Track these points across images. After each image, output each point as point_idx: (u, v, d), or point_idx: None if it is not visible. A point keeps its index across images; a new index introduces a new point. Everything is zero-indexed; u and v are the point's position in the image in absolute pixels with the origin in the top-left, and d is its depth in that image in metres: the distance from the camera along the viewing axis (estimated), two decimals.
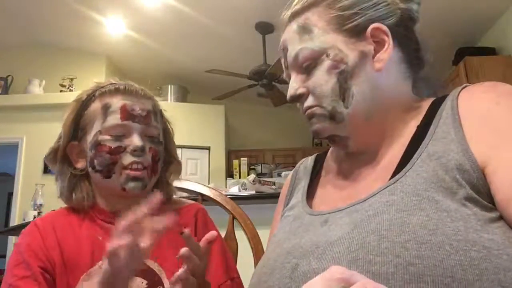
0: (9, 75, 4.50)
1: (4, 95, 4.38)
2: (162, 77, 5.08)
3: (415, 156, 0.55)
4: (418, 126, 0.59)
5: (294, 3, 0.65)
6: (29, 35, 4.30)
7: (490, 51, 3.82)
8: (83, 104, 0.86)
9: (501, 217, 0.47)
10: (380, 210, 0.50)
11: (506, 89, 0.55)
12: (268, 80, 3.90)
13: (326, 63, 0.60)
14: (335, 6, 0.61)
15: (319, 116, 0.62)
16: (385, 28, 0.60)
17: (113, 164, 0.82)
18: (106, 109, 0.84)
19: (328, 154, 0.76)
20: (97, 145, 0.82)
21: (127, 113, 0.84)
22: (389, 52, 0.60)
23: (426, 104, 0.62)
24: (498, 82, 0.57)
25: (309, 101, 0.62)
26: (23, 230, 0.84)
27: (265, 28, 3.91)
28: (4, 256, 4.06)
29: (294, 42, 0.63)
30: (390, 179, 0.55)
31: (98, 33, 4.17)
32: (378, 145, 0.63)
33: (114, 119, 0.83)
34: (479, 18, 3.78)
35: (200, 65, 4.39)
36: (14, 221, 4.08)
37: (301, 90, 0.63)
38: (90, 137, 0.84)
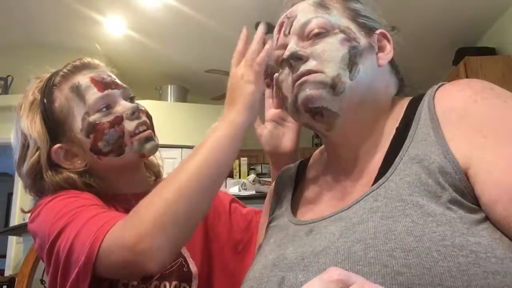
0: (9, 75, 4.49)
1: (4, 95, 4.38)
2: (162, 77, 5.09)
3: (397, 159, 0.54)
4: (397, 128, 0.58)
5: None
6: (29, 35, 4.31)
7: (490, 51, 3.82)
8: (44, 101, 0.77)
9: (486, 218, 0.46)
10: (365, 218, 0.49)
11: (482, 86, 0.53)
12: (267, 80, 3.89)
13: (340, 36, 0.61)
14: (350, 2, 0.65)
15: (317, 83, 0.59)
16: (389, 36, 0.64)
17: (121, 136, 0.76)
18: (78, 90, 0.77)
19: (311, 160, 0.75)
20: (94, 127, 0.75)
21: (101, 83, 0.78)
22: (390, 55, 0.63)
23: (403, 103, 0.62)
24: (474, 79, 0.57)
25: (311, 65, 0.60)
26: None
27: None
28: (4, 256, 4.06)
29: (308, 11, 0.64)
30: (373, 184, 0.54)
31: (98, 33, 4.17)
32: (359, 143, 0.62)
33: (93, 94, 0.76)
34: (479, 18, 3.78)
35: (200, 65, 4.40)
36: (14, 221, 4.08)
37: (303, 53, 0.61)
38: (77, 127, 0.76)
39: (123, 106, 0.78)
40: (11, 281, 3.32)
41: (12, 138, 0.81)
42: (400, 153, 0.54)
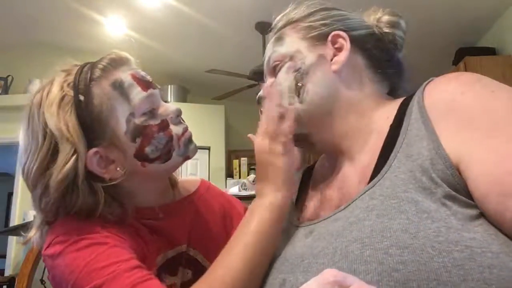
0: (9, 75, 4.49)
1: (4, 95, 4.37)
2: (162, 77, 5.08)
3: (391, 157, 0.54)
4: (390, 126, 0.58)
5: (276, 21, 0.71)
6: (29, 35, 4.30)
7: (490, 51, 3.81)
8: (79, 98, 0.66)
9: (481, 214, 0.46)
10: (361, 217, 0.50)
11: (470, 78, 0.53)
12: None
13: (287, 64, 0.65)
14: (308, 19, 0.67)
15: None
16: (343, 34, 0.64)
17: (169, 141, 0.70)
18: (121, 87, 0.68)
19: (316, 165, 0.76)
20: (141, 130, 0.67)
21: (143, 82, 0.71)
22: (344, 55, 0.63)
23: (397, 102, 0.62)
24: (464, 72, 0.57)
25: None
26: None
27: (265, 28, 3.91)
28: (4, 256, 4.06)
29: (268, 50, 0.70)
30: (368, 182, 0.54)
31: (98, 33, 4.17)
32: (347, 146, 0.63)
33: (138, 93, 0.68)
34: (479, 18, 3.78)
35: (200, 65, 4.39)
36: (14, 221, 4.08)
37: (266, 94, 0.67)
38: (121, 129, 0.67)
39: (166, 109, 0.71)
40: (11, 281, 3.32)
41: (25, 142, 0.69)
42: (394, 150, 0.54)
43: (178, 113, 0.73)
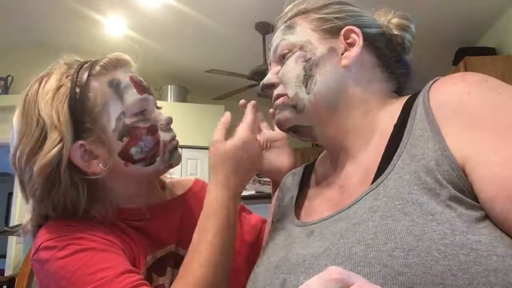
0: (9, 75, 4.49)
1: (4, 95, 4.37)
2: (162, 77, 5.08)
3: (395, 157, 0.53)
4: (395, 125, 0.58)
5: (287, 10, 0.70)
6: (29, 35, 4.30)
7: (490, 51, 3.82)
8: (76, 90, 0.68)
9: (487, 216, 0.45)
10: (365, 218, 0.49)
11: (477, 78, 0.52)
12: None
13: (297, 53, 0.64)
14: (321, 11, 0.66)
15: (283, 106, 0.65)
16: (357, 30, 0.64)
17: (157, 144, 0.72)
18: (117, 86, 0.70)
19: (316, 164, 0.76)
20: (130, 130, 0.69)
21: (140, 85, 0.73)
22: (356, 51, 0.63)
23: (402, 101, 0.61)
24: (469, 72, 0.56)
25: (279, 89, 0.66)
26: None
27: (265, 28, 3.91)
28: (4, 256, 4.06)
29: (277, 37, 0.69)
30: (372, 182, 0.53)
31: (98, 33, 4.17)
32: (349, 143, 0.62)
33: (133, 94, 0.71)
34: (479, 18, 3.78)
35: (200, 65, 4.39)
36: (14, 221, 4.08)
37: (273, 80, 0.67)
38: (110, 126, 0.69)
39: (158, 115, 0.74)
40: (11, 281, 3.32)
41: (20, 126, 0.70)
42: (398, 150, 0.53)
43: (169, 121, 0.75)
